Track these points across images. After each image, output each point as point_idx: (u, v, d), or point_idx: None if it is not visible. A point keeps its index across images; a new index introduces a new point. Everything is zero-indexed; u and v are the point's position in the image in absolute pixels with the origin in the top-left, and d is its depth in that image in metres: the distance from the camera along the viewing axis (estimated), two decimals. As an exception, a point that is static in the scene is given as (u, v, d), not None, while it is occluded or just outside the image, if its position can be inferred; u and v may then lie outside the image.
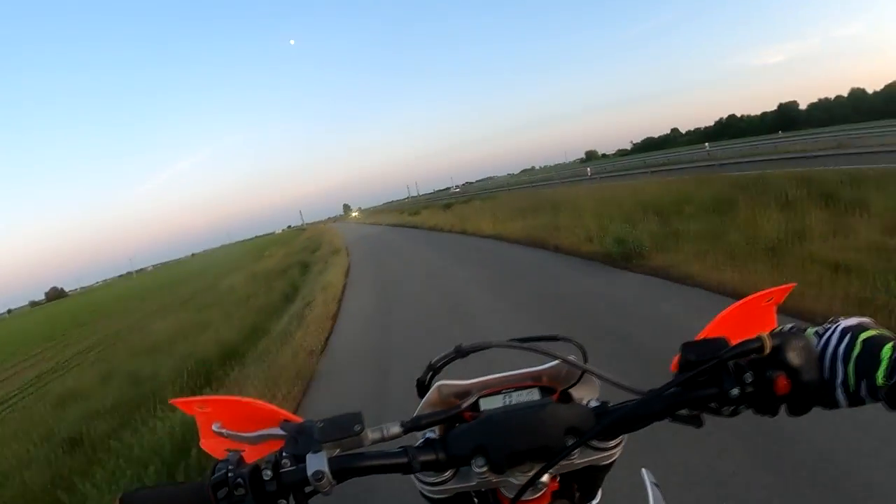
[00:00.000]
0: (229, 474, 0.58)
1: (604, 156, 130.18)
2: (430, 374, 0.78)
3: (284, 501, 0.59)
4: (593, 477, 0.78)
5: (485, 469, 0.61)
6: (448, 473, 0.66)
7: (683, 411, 0.61)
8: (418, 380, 0.79)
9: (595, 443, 0.67)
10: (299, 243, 38.82)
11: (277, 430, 0.67)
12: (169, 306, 24.30)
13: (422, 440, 0.69)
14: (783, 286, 0.80)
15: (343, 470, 0.59)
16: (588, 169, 36.15)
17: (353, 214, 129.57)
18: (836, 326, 0.58)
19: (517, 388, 0.74)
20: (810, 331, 0.60)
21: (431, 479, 0.67)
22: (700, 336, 0.71)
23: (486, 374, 0.74)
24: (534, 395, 0.73)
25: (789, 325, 0.62)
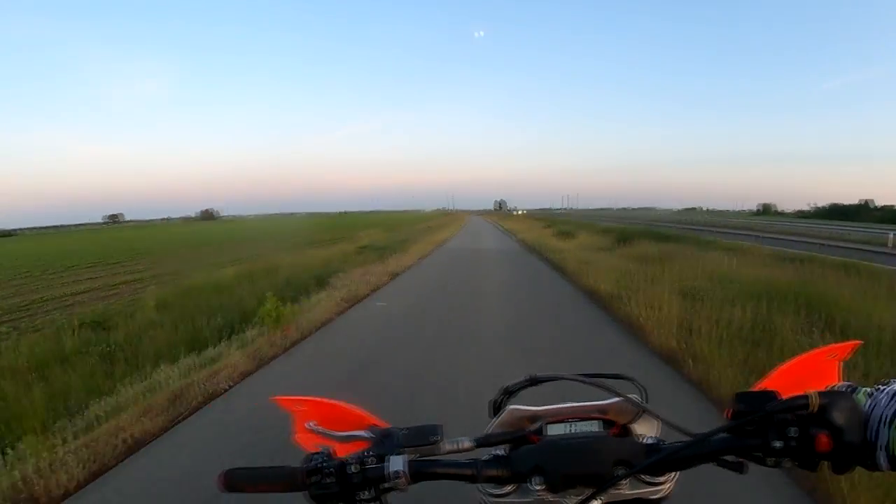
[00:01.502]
0: (322, 464, 0.68)
1: (779, 213, 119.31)
2: (504, 396, 0.86)
3: (366, 493, 0.68)
4: None
5: (541, 488, 0.67)
6: (509, 488, 0.74)
7: (730, 457, 0.65)
8: (492, 400, 0.86)
9: (645, 477, 0.71)
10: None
11: (364, 433, 0.77)
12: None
13: (489, 455, 0.74)
14: (848, 343, 0.82)
15: (418, 472, 0.68)
16: (892, 236, 20.27)
17: (519, 212, 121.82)
18: (888, 388, 0.59)
19: (581, 419, 0.78)
20: (863, 391, 0.61)
21: (494, 491, 0.75)
22: (759, 385, 0.76)
23: (555, 403, 0.80)
24: (595, 426, 0.78)
25: (846, 384, 0.65)
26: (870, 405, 0.59)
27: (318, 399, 0.85)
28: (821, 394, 0.59)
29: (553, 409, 0.79)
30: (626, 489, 0.71)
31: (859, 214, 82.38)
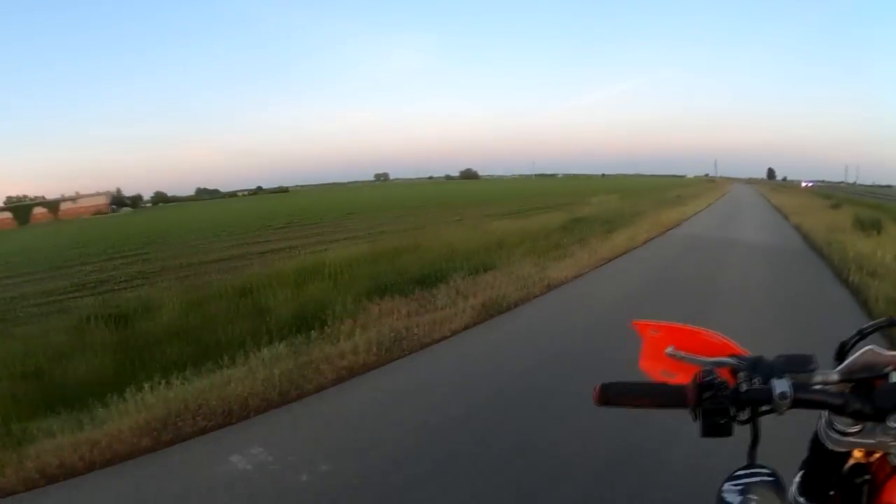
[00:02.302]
0: (716, 381, 0.70)
1: None
2: (857, 338, 0.85)
3: (743, 414, 0.71)
4: None
5: None
6: (858, 427, 0.72)
7: None
8: (843, 342, 0.84)
9: None
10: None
11: (731, 360, 0.77)
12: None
13: (853, 390, 0.74)
14: None
15: (799, 399, 0.69)
16: None
17: (805, 185, 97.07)
18: None
19: None
20: None
21: (842, 429, 0.73)
22: None
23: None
24: None
25: None
26: None
27: (676, 325, 0.85)
28: None
29: None
30: None
31: None
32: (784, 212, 22.78)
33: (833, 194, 46.04)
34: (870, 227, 13.68)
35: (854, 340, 0.85)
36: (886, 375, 0.75)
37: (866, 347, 0.77)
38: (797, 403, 0.69)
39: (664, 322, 0.86)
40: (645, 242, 11.93)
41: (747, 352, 0.81)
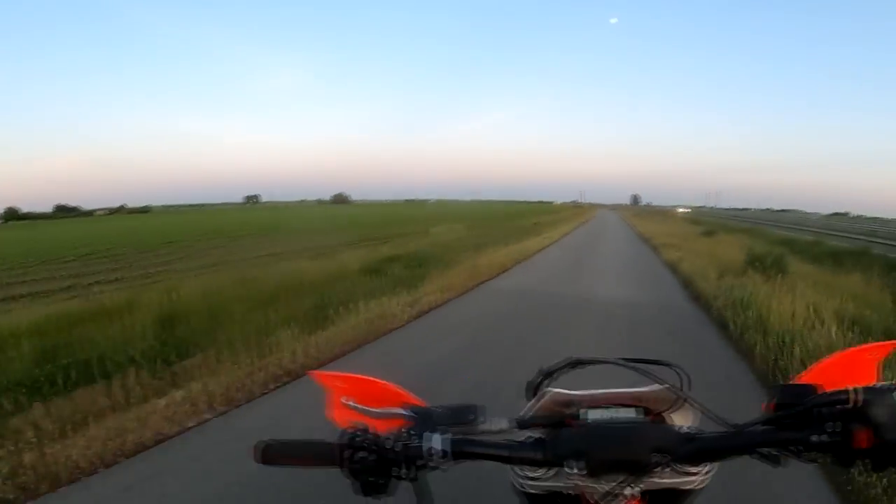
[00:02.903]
0: (359, 439, 0.66)
1: None
2: (542, 378, 0.82)
3: (403, 471, 0.66)
4: (677, 501, 0.78)
5: (581, 472, 0.66)
6: (542, 471, 0.74)
7: (766, 450, 0.65)
8: (529, 382, 0.83)
9: (681, 466, 0.70)
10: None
11: (402, 410, 0.74)
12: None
13: (527, 438, 0.73)
14: (888, 342, 0.82)
15: (457, 451, 0.66)
16: None
17: (680, 210, 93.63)
18: None
19: (619, 405, 0.77)
20: None
21: (528, 474, 0.75)
22: (798, 379, 0.77)
23: (594, 388, 0.78)
24: (632, 413, 0.77)
25: (886, 384, 0.62)
26: None
27: (355, 375, 0.84)
28: (864, 389, 0.59)
29: (591, 394, 0.78)
30: (662, 477, 0.71)
31: None
32: (653, 243, 18.64)
33: (700, 219, 45.03)
34: (771, 266, 9.44)
35: (539, 381, 0.83)
36: (578, 415, 0.76)
37: (550, 390, 0.77)
38: (461, 456, 0.67)
39: (344, 373, 0.85)
40: (430, 311, 7.02)
41: (423, 402, 0.79)
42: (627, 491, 0.69)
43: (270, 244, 22.76)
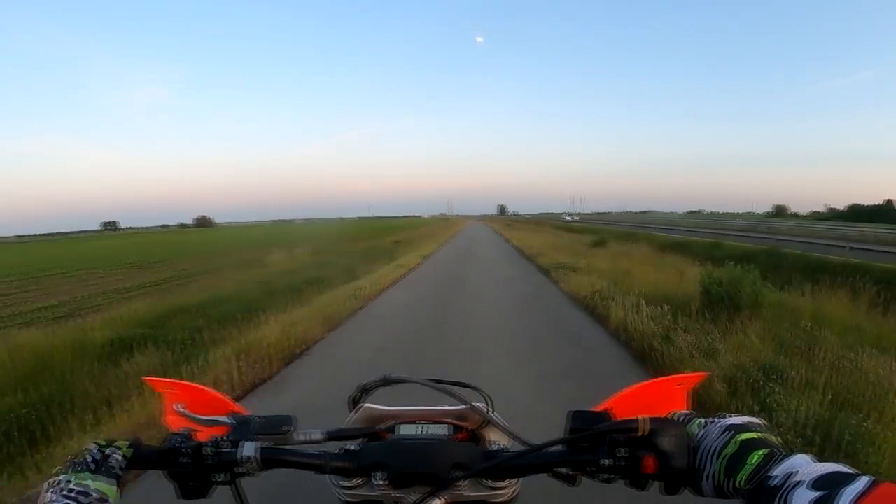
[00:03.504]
0: (180, 445, 0.68)
1: (794, 215, 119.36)
2: (361, 393, 0.86)
3: (220, 476, 0.69)
4: None
5: (384, 483, 0.69)
6: (358, 481, 0.76)
7: (563, 470, 0.68)
8: (350, 396, 0.86)
9: (486, 481, 0.75)
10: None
11: (226, 418, 0.76)
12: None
13: (339, 449, 0.75)
14: (697, 373, 0.85)
15: (269, 459, 0.69)
16: None
17: (573, 218, 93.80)
18: (723, 422, 0.60)
19: (434, 422, 0.83)
20: (697, 421, 0.63)
21: (343, 483, 0.77)
22: (603, 405, 0.79)
23: (411, 405, 0.85)
24: (444, 430, 0.82)
25: (685, 413, 0.66)
26: (701, 435, 0.61)
27: (187, 383, 0.86)
28: (651, 419, 0.61)
29: (404, 410, 0.84)
30: (468, 491, 0.75)
31: (882, 215, 77.89)
32: (540, 262, 14.30)
33: (571, 226, 43.33)
34: (741, 301, 6.01)
35: (358, 395, 0.86)
36: (394, 429, 0.82)
37: (363, 405, 0.84)
38: (272, 464, 0.69)
39: (176, 380, 0.87)
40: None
41: (245, 410, 0.81)
42: (436, 502, 0.71)
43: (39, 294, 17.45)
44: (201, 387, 0.86)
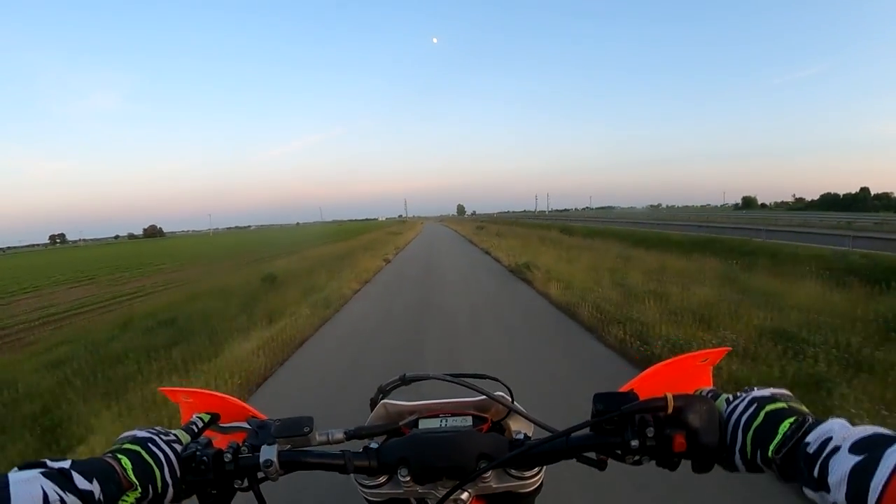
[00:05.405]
0: (197, 453, 0.66)
1: (763, 206, 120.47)
2: (380, 394, 0.86)
3: (240, 482, 0.68)
4: (516, 503, 0.79)
5: (408, 479, 0.68)
6: (382, 479, 0.73)
7: (591, 454, 0.67)
8: (371, 399, 0.86)
9: (512, 471, 0.73)
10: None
11: (244, 424, 0.78)
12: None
13: (362, 448, 0.73)
14: (719, 349, 0.83)
15: (289, 462, 0.68)
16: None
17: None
18: (748, 395, 0.60)
19: (455, 415, 0.81)
20: (724, 397, 0.63)
21: (367, 483, 0.74)
22: (627, 385, 0.77)
23: (430, 399, 0.83)
24: (467, 421, 0.80)
25: (711, 389, 0.67)
26: (728, 410, 0.60)
27: (203, 391, 0.84)
28: (677, 396, 0.59)
29: (424, 404, 0.81)
30: (495, 482, 0.73)
31: (856, 204, 79.97)
32: (539, 287, 9.36)
33: (551, 224, 39.62)
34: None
35: (377, 396, 0.85)
36: (416, 423, 0.79)
37: (382, 402, 0.82)
38: (292, 467, 0.68)
39: (195, 389, 0.84)
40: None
41: (262, 415, 0.80)
42: (465, 496, 0.71)
43: None
44: (218, 394, 0.84)
